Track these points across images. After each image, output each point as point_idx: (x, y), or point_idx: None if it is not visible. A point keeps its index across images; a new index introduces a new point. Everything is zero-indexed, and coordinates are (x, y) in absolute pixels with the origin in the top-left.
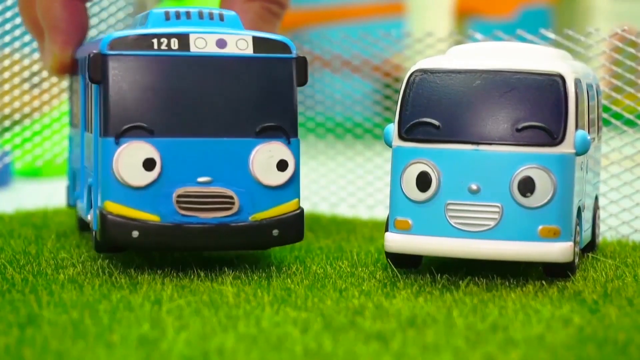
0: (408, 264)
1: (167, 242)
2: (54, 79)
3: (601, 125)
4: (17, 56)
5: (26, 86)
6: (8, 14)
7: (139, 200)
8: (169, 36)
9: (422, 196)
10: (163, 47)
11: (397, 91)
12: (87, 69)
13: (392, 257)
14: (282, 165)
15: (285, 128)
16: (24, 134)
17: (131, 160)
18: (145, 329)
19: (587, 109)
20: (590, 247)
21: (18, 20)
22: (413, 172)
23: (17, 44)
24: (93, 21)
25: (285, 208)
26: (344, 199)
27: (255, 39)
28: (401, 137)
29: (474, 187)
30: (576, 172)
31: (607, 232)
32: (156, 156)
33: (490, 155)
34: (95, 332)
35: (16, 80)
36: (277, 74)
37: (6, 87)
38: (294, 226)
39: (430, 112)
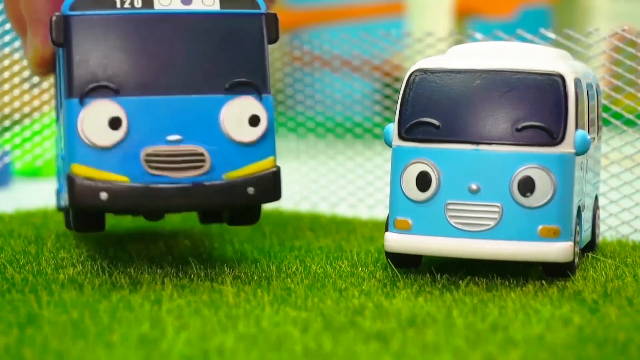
0: (408, 264)
1: (138, 203)
2: (54, 79)
3: (601, 125)
4: (16, 56)
5: (26, 86)
6: None
7: (106, 161)
8: None
9: (422, 196)
10: (126, 5)
11: (397, 91)
12: (51, 32)
13: (392, 257)
14: (254, 121)
15: (256, 83)
16: (24, 134)
17: (96, 119)
18: (145, 328)
19: (587, 108)
20: (590, 246)
21: None
22: (413, 171)
23: (17, 44)
24: None
25: (260, 166)
26: (344, 198)
27: None
28: (401, 136)
29: (473, 186)
30: (576, 172)
31: (607, 232)
32: (122, 115)
33: (490, 155)
34: (95, 331)
35: (16, 80)
36: (245, 30)
37: (6, 86)
38: (270, 184)
39: (430, 111)
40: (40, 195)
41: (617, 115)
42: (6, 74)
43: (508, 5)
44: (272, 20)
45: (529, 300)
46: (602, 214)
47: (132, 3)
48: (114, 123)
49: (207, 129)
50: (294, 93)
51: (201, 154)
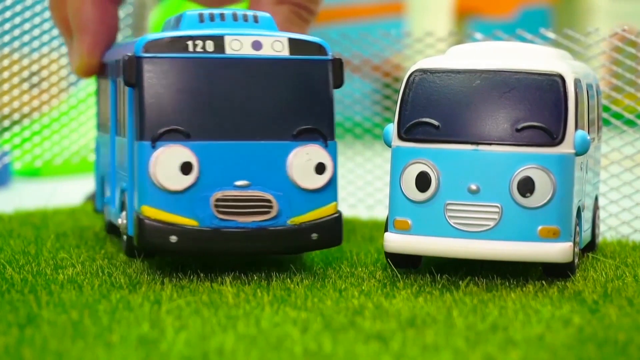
0: (407, 264)
1: (206, 246)
2: (53, 79)
3: (601, 125)
4: (16, 56)
5: (25, 86)
6: (7, 14)
7: (176, 205)
8: (203, 38)
9: (421, 196)
10: (198, 49)
11: (397, 91)
12: (122, 72)
13: (392, 257)
14: (320, 168)
15: (322, 130)
16: (23, 134)
17: (168, 164)
18: (145, 329)
19: (587, 109)
20: (590, 247)
21: (17, 20)
22: (412, 172)
23: (16, 44)
24: None
25: (323, 211)
26: (344, 199)
27: (291, 40)
28: (400, 137)
29: (473, 187)
30: (576, 172)
31: (607, 232)
32: (193, 160)
33: (489, 156)
34: (95, 332)
35: (15, 80)
36: (313, 76)
37: (5, 87)
38: (332, 230)
39: (430, 112)
40: (40, 195)
41: (617, 115)
42: (6, 74)
43: (508, 5)
44: (338, 65)
45: (529, 301)
46: (602, 214)
47: (204, 47)
48: (186, 168)
49: (274, 175)
50: None
51: (268, 200)
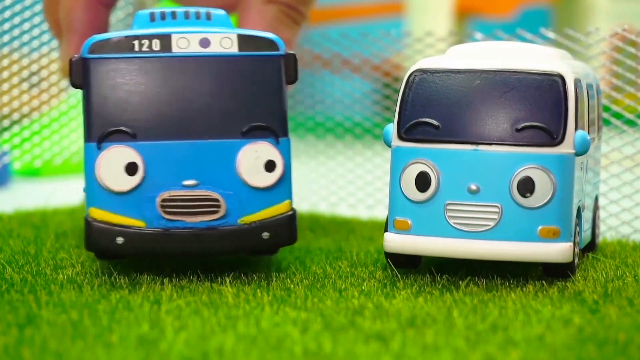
0: (407, 264)
1: (153, 248)
2: (53, 79)
3: (601, 125)
4: (15, 55)
5: (25, 86)
6: (7, 14)
7: (123, 206)
8: (150, 37)
9: (421, 196)
10: (144, 48)
11: (397, 91)
12: (70, 74)
13: (392, 257)
14: (269, 166)
15: (273, 127)
16: (23, 134)
17: (113, 165)
18: (145, 329)
19: (587, 108)
20: (590, 247)
21: (17, 20)
22: (412, 172)
23: (15, 44)
24: None
25: (275, 210)
26: (344, 199)
27: (240, 36)
28: (400, 137)
29: (473, 187)
30: (576, 172)
31: (608, 232)
32: (138, 160)
33: (489, 156)
34: (95, 332)
35: (15, 79)
36: (264, 72)
37: (5, 86)
38: (285, 228)
39: (430, 112)
40: (39, 195)
41: (617, 115)
42: (5, 74)
43: (508, 5)
44: (291, 61)
45: (529, 301)
46: (602, 214)
47: (150, 46)
48: (131, 168)
49: (223, 174)
50: (293, 93)
51: (216, 199)
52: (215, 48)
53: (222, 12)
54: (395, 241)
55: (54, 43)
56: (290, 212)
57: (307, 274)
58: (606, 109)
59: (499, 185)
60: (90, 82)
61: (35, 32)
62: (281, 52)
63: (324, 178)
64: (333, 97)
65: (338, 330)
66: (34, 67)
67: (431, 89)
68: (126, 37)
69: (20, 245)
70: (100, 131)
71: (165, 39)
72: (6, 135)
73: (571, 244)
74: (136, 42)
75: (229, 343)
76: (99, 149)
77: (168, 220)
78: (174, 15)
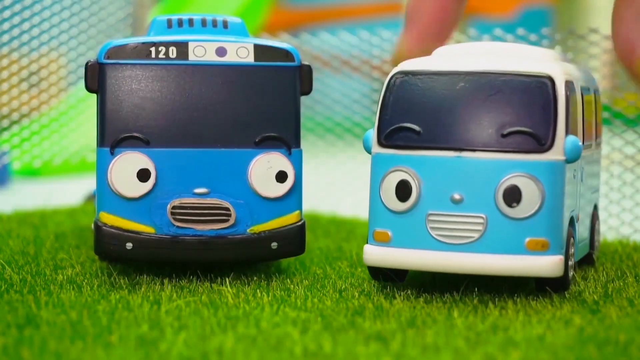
0: (391, 278)
1: (162, 254)
2: (53, 79)
3: (600, 131)
4: (15, 55)
5: (24, 86)
6: (6, 14)
7: (133, 212)
8: (167, 44)
9: (401, 206)
10: (161, 55)
11: None
12: (85, 78)
13: (374, 270)
14: (281, 177)
15: (285, 138)
16: (23, 134)
17: (125, 171)
18: (144, 329)
19: (582, 113)
20: (588, 259)
21: (16, 20)
22: (392, 180)
23: (15, 44)
24: (92, 21)
25: (285, 220)
26: (344, 199)
27: (256, 47)
28: (380, 143)
29: (456, 196)
30: (567, 181)
31: (608, 232)
32: (151, 167)
33: (474, 163)
34: (94, 332)
35: (14, 79)
36: (279, 83)
37: (4, 86)
38: (294, 239)
39: (411, 116)
40: (39, 195)
41: (617, 115)
42: (5, 74)
43: (509, 4)
44: (306, 72)
45: (529, 301)
46: (603, 214)
47: (167, 53)
48: (143, 175)
49: (234, 183)
50: None
51: (226, 208)
52: (231, 57)
53: (238, 20)
54: (374, 254)
55: (54, 43)
56: (300, 223)
57: (307, 274)
58: (606, 108)
59: (484, 195)
60: (106, 87)
61: (35, 32)
62: (296, 63)
63: (324, 178)
64: (333, 97)
65: (338, 330)
66: (34, 67)
67: (413, 92)
68: (143, 43)
69: (20, 245)
70: (113, 137)
71: (182, 47)
72: (6, 135)
73: (562, 257)
74: (153, 49)
75: (229, 343)
76: (112, 154)
77: (178, 227)
78: (191, 22)
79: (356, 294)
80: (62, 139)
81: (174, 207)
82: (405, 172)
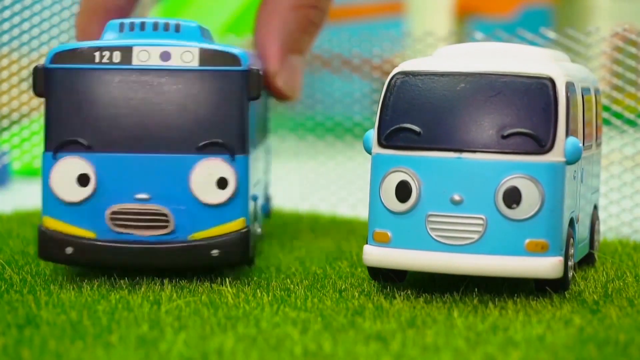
0: (391, 278)
1: (102, 259)
2: None
3: (600, 133)
4: (15, 55)
5: (24, 85)
6: (6, 14)
7: (74, 216)
8: (111, 49)
9: (401, 207)
10: (105, 60)
11: None
12: (32, 83)
13: (373, 271)
14: (222, 183)
15: (229, 144)
16: (23, 134)
17: (65, 175)
18: (144, 329)
19: (583, 114)
20: (588, 259)
21: (16, 20)
22: (392, 181)
23: (15, 43)
24: None
25: (227, 227)
26: (344, 199)
27: (202, 51)
28: (380, 143)
29: (456, 197)
30: (568, 182)
31: (608, 232)
32: (90, 172)
33: (474, 164)
34: (94, 332)
35: (14, 79)
36: (224, 88)
37: (4, 86)
38: (236, 247)
39: (412, 117)
40: (39, 195)
41: (617, 115)
42: (4, 74)
43: (509, 4)
44: (254, 77)
45: (529, 301)
46: (602, 214)
47: (110, 58)
48: (83, 180)
49: (175, 189)
50: None
51: (164, 214)
52: (175, 62)
53: (193, 23)
54: (374, 254)
55: (54, 43)
56: (244, 230)
57: (307, 274)
58: (606, 109)
59: (484, 196)
60: (51, 91)
61: (35, 32)
62: (243, 67)
63: (325, 178)
64: (333, 97)
65: (338, 330)
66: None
67: (413, 92)
68: (89, 47)
69: (20, 245)
70: (56, 141)
71: (126, 51)
72: (6, 135)
73: (561, 258)
74: (97, 54)
75: (229, 343)
76: (54, 158)
77: (118, 232)
78: (142, 26)
79: (356, 294)
80: None
81: (113, 212)
82: (405, 172)
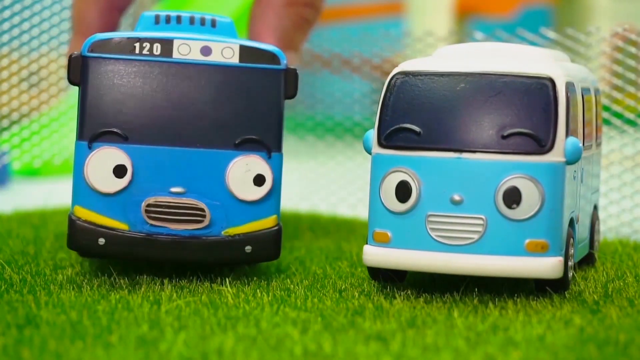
0: (391, 278)
1: (134, 251)
2: (52, 79)
3: (600, 133)
4: (15, 55)
5: (24, 85)
6: (6, 13)
7: (108, 207)
8: (152, 41)
9: (401, 207)
10: (145, 51)
11: None
12: (67, 70)
13: (373, 271)
14: (259, 180)
15: (266, 142)
16: (22, 134)
17: (101, 166)
18: (144, 329)
19: (583, 114)
20: (588, 259)
21: (16, 20)
22: (392, 181)
23: (15, 43)
24: None
25: (261, 224)
26: (344, 199)
27: (242, 47)
28: (380, 143)
29: (456, 197)
30: (567, 182)
31: (608, 232)
32: (127, 163)
33: (474, 164)
34: (94, 332)
35: (14, 79)
36: (263, 85)
37: (4, 86)
38: (269, 243)
39: (412, 117)
40: (39, 195)
41: (618, 115)
42: (4, 74)
43: (509, 4)
44: (292, 76)
45: (529, 301)
46: (602, 214)
47: (151, 50)
48: (119, 171)
49: (211, 184)
50: None
51: (201, 209)
52: (216, 57)
53: (228, 19)
54: (374, 254)
55: (54, 43)
56: (276, 228)
57: (307, 274)
58: (606, 109)
59: (484, 196)
60: (88, 80)
61: (35, 32)
62: (282, 66)
63: (324, 178)
64: (333, 97)
65: (338, 330)
66: (34, 67)
67: (413, 92)
68: (128, 38)
69: (20, 245)
70: (92, 131)
71: (167, 44)
72: (6, 135)
73: (561, 258)
74: (137, 45)
75: (229, 343)
76: (90, 148)
77: (152, 225)
78: (179, 19)
79: (356, 294)
80: (62, 139)
81: (148, 205)
82: (405, 172)
